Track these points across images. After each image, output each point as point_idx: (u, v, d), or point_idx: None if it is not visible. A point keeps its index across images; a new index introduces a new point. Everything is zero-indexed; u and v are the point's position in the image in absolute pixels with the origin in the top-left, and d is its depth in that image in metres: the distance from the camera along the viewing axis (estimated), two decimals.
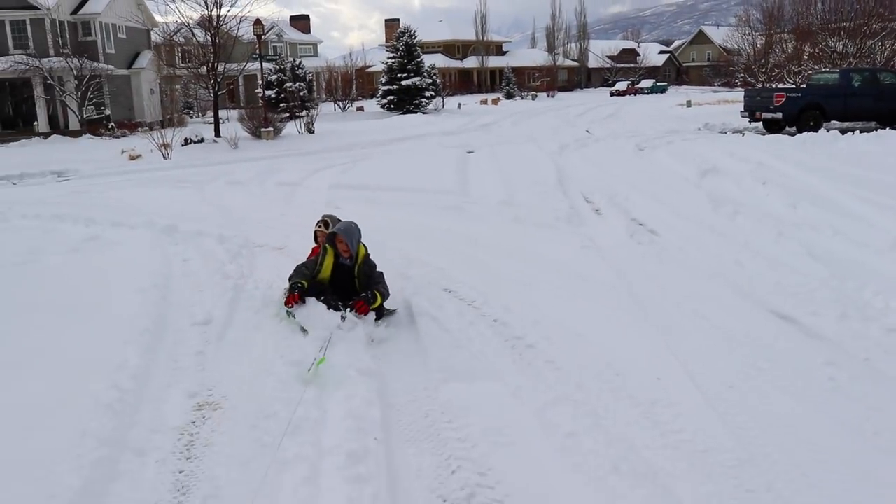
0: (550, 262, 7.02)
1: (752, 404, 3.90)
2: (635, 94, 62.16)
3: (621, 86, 64.84)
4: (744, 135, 20.76)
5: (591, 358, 4.52)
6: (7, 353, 4.90)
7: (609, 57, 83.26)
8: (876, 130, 19.56)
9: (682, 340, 4.78)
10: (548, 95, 62.81)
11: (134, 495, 3.19)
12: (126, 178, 17.20)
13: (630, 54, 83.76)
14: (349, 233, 5.75)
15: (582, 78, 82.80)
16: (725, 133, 21.81)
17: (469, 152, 17.96)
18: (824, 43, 28.92)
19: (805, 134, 19.56)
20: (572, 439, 3.57)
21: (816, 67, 28.11)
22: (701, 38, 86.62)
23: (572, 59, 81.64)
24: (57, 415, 3.85)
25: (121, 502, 3.12)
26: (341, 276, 5.76)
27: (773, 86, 29.96)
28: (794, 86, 27.67)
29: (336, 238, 5.73)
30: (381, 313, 5.59)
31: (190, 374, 4.52)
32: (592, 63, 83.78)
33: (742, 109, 23.36)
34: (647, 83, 66.61)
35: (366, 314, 5.40)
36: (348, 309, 5.37)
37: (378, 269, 5.79)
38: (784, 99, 21.41)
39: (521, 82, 68.14)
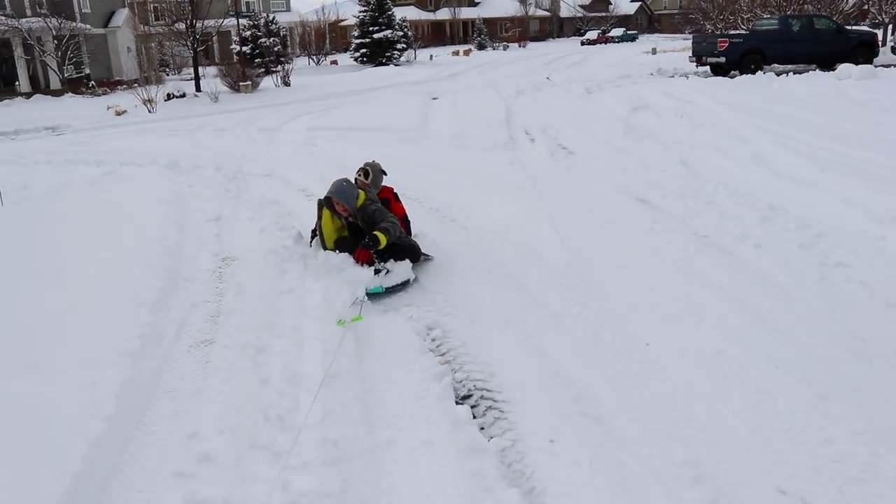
0: (482, 174, 9.05)
1: (591, 241, 5.99)
2: (606, 43, 63.74)
3: (592, 35, 66.42)
4: (688, 78, 22.74)
5: (492, 225, 6.57)
6: (83, 238, 6.87)
7: (581, 6, 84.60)
8: (808, 72, 21.59)
9: (558, 214, 6.84)
10: (519, 46, 64.27)
11: (191, 297, 5.21)
12: (118, 131, 18.95)
13: (602, 3, 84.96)
14: (342, 192, 5.66)
15: (554, 28, 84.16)
16: (673, 77, 23.76)
17: (434, 98, 19.80)
18: None
19: (744, 76, 21.53)
20: (468, 263, 5.61)
21: (762, 14, 30.05)
22: None
23: (544, 10, 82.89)
24: (133, 258, 5.85)
25: (186, 297, 5.14)
26: (358, 231, 5.67)
27: (718, 32, 31.85)
28: (738, 32, 29.59)
29: (332, 201, 5.69)
30: (412, 256, 5.53)
31: (212, 244, 6.53)
32: (565, 13, 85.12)
33: (690, 55, 25.34)
34: (617, 32, 68.16)
35: (366, 260, 5.35)
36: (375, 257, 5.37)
37: (378, 209, 5.64)
38: (727, 44, 23.37)
39: (493, 33, 69.53)
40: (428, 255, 5.75)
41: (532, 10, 79.56)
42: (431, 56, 50.28)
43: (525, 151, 10.65)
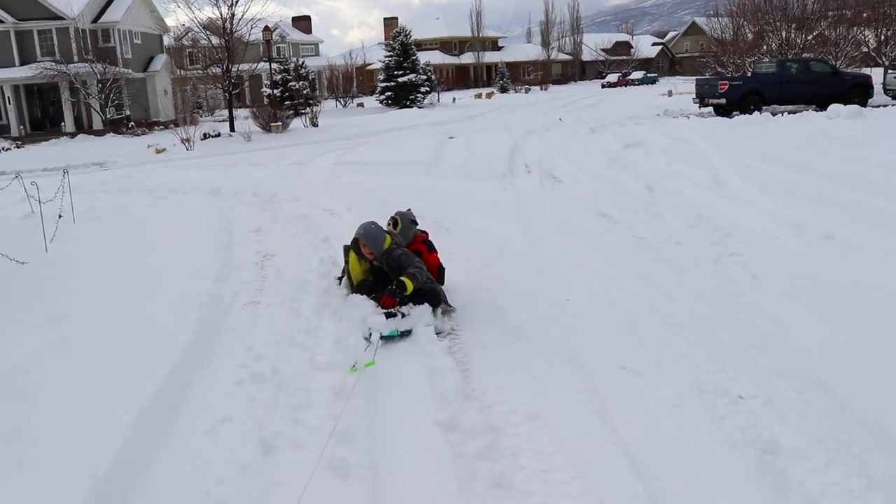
0: (478, 198, 10.83)
1: (551, 241, 7.71)
2: (626, 86, 65.91)
3: (612, 78, 68.72)
4: (689, 118, 24.45)
5: (479, 233, 8.32)
6: (151, 242, 8.70)
7: (603, 49, 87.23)
8: (802, 112, 23.24)
9: (531, 224, 8.59)
10: (541, 89, 66.56)
11: (242, 277, 6.96)
12: (160, 166, 21.04)
13: (624, 46, 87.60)
14: (369, 235, 5.74)
15: (576, 71, 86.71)
16: (677, 118, 25.50)
17: (450, 138, 21.69)
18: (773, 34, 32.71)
19: (743, 116, 23.21)
20: (453, 255, 7.32)
21: (764, 58, 31.83)
22: (694, 30, 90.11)
23: (566, 53, 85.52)
24: (194, 254, 7.65)
25: (237, 277, 6.91)
26: (383, 274, 5.78)
27: (719, 75, 33.59)
28: (737, 75, 31.32)
29: (360, 242, 5.79)
30: (432, 300, 5.58)
31: (254, 245, 8.32)
32: (586, 56, 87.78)
33: (694, 97, 27.12)
34: (637, 75, 70.35)
35: (391, 307, 5.38)
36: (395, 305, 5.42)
37: (403, 253, 5.74)
38: (727, 87, 25.15)
39: (516, 76, 72.07)
40: (451, 307, 5.66)
41: (554, 54, 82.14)
42: (454, 99, 52.60)
43: (520, 180, 12.42)
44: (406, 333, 5.21)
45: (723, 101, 25.05)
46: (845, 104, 22.38)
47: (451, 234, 8.40)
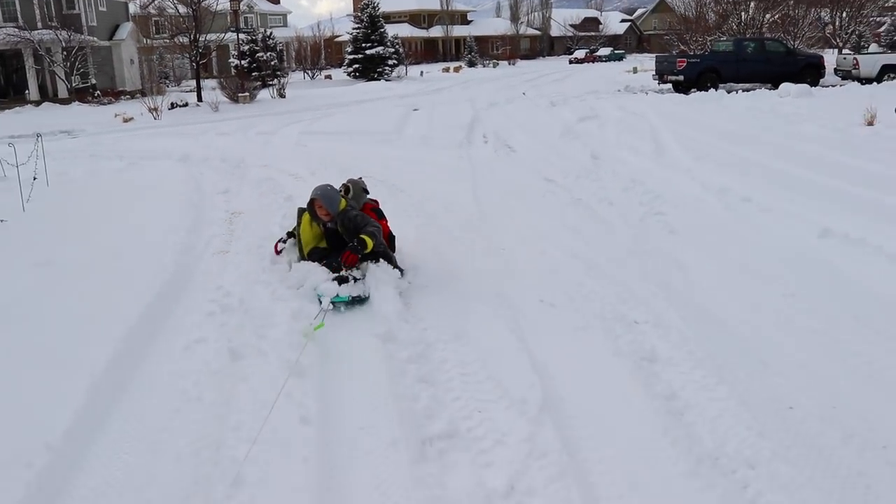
0: (435, 164, 11.54)
1: (497, 202, 8.46)
2: (593, 62, 66.68)
3: (580, 54, 69.45)
4: (647, 94, 25.29)
5: (430, 193, 9.04)
6: (125, 201, 9.31)
7: (572, 25, 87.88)
8: (756, 90, 24.18)
9: (480, 188, 9.33)
10: (509, 63, 67.12)
11: (212, 231, 7.62)
12: (128, 134, 21.40)
13: (592, 23, 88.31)
14: (325, 196, 5.85)
15: (545, 46, 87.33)
16: (636, 93, 26.32)
17: (415, 110, 22.30)
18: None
19: (700, 93, 24.09)
20: (407, 213, 8.02)
21: (722, 37, 32.75)
22: (662, 7, 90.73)
23: (535, 28, 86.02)
24: (167, 210, 8.28)
25: (208, 231, 7.56)
26: (336, 240, 5.86)
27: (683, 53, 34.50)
28: (695, 54, 32.23)
29: (315, 203, 5.90)
30: (389, 260, 5.73)
31: (223, 205, 8.96)
32: (555, 32, 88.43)
33: (653, 73, 27.96)
34: (605, 51, 71.17)
35: (354, 263, 5.52)
36: (345, 266, 5.50)
37: (359, 214, 5.86)
38: (685, 64, 26.02)
39: (484, 51, 72.48)
40: (402, 269, 5.77)
41: (523, 29, 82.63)
42: (422, 72, 53.04)
43: (476, 149, 13.14)
44: (359, 300, 5.29)
45: (681, 77, 25.91)
46: (798, 83, 23.40)
47: (406, 195, 9.10)
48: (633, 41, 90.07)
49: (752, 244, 6.45)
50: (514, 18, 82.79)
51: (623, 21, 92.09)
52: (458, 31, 78.92)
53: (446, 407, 3.67)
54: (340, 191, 6.24)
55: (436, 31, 79.03)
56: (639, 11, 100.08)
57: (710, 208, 7.84)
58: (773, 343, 4.39)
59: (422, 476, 3.12)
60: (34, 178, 10.86)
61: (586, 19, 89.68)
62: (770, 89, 24.32)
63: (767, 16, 35.34)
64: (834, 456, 3.22)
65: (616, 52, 72.06)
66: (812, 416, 3.54)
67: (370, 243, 5.54)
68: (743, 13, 33.47)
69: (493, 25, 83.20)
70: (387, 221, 6.32)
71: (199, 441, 3.48)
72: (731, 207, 7.75)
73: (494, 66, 63.37)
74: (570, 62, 66.94)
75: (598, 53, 70.35)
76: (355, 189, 6.32)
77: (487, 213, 7.99)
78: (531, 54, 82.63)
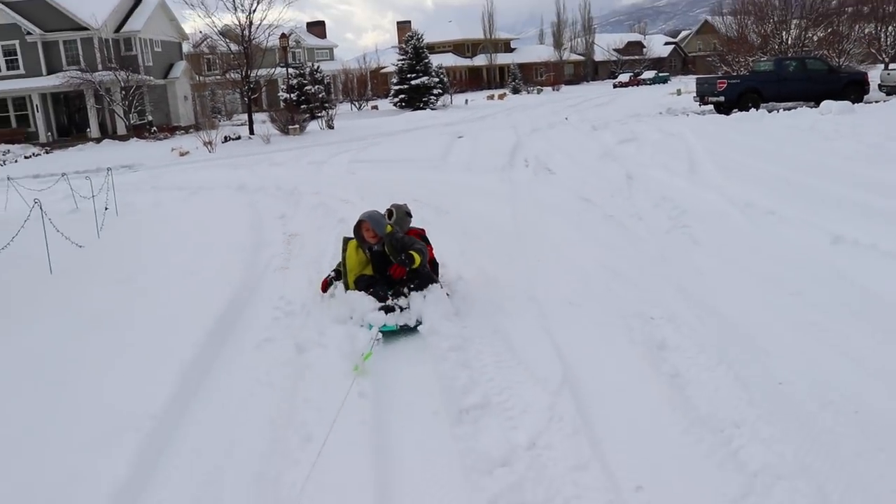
0: (477, 188, 12.24)
1: (534, 220, 9.09)
2: (637, 85, 67.10)
3: (624, 77, 69.96)
4: (688, 116, 25.75)
5: (473, 215, 9.75)
6: (190, 227, 10.18)
7: (615, 50, 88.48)
8: (798, 108, 24.46)
9: (519, 208, 10.01)
10: (553, 89, 67.86)
11: (271, 251, 8.40)
12: (186, 167, 22.61)
13: (636, 46, 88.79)
14: (373, 218, 6.06)
15: (589, 71, 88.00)
16: (678, 115, 26.78)
17: (459, 137, 23.11)
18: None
19: (740, 113, 24.46)
20: (451, 232, 8.71)
21: (763, 57, 33.01)
22: (706, 28, 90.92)
23: (578, 54, 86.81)
24: (230, 233, 9.11)
25: (268, 251, 8.34)
26: (382, 261, 6.04)
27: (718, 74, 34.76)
28: (736, 73, 32.54)
29: (363, 226, 6.07)
30: (425, 285, 5.83)
31: (280, 227, 9.78)
32: (599, 56, 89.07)
33: (694, 95, 28.39)
34: (649, 74, 71.52)
35: (402, 275, 5.80)
36: (392, 296, 5.71)
37: (405, 237, 6.12)
38: (725, 85, 26.42)
39: (528, 77, 73.46)
40: (447, 292, 5.94)
41: (566, 55, 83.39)
42: (467, 100, 54.04)
43: (517, 172, 13.82)
44: (406, 328, 5.45)
45: (721, 99, 26.27)
46: (841, 101, 23.62)
47: (449, 215, 9.82)
48: (677, 63, 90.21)
49: (768, 252, 7.00)
50: (558, 45, 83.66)
51: (667, 44, 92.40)
52: (502, 58, 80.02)
53: (481, 385, 4.32)
54: (385, 214, 6.46)
55: (480, 60, 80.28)
56: (683, 34, 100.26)
57: (734, 221, 8.38)
58: (774, 334, 4.95)
59: (458, 435, 3.78)
60: (105, 209, 11.86)
61: (630, 43, 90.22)
62: (812, 107, 24.55)
63: (812, 34, 35.54)
64: (810, 419, 3.78)
65: (660, 74, 72.37)
66: (798, 390, 4.11)
67: (417, 259, 5.77)
68: (784, 32, 33.67)
69: (537, 52, 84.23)
70: (432, 248, 6.42)
71: (273, 414, 4.19)
72: (753, 220, 8.29)
73: (539, 93, 64.18)
74: (615, 86, 67.46)
75: (642, 77, 70.75)
76: (398, 213, 6.54)
77: (524, 230, 8.65)
78: (575, 79, 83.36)
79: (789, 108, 24.67)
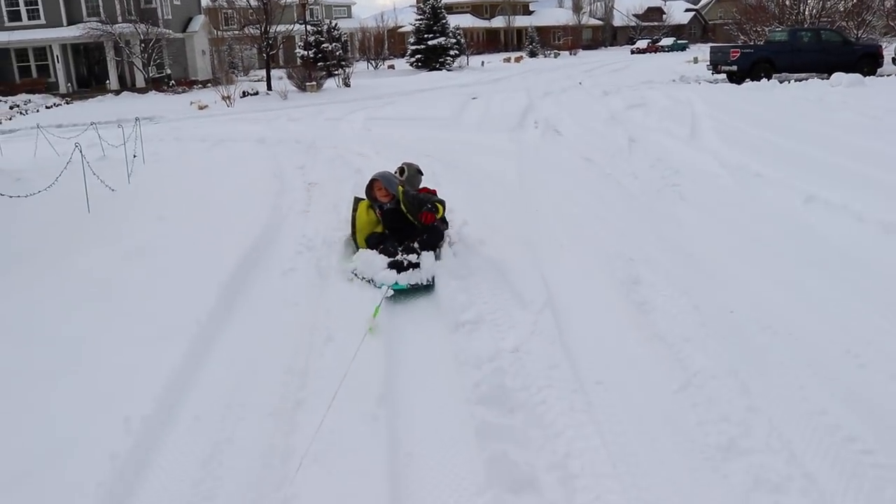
0: (487, 146, 12.93)
1: (538, 175, 9.81)
2: (655, 52, 67.00)
3: (641, 44, 69.83)
4: (700, 83, 26.22)
5: (479, 168, 10.48)
6: (219, 172, 10.94)
7: (635, 15, 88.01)
8: (809, 79, 24.88)
9: (524, 165, 10.71)
10: (570, 54, 67.97)
11: (293, 196, 9.16)
12: (205, 120, 23.33)
13: (656, 13, 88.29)
14: (385, 177, 6.35)
15: (607, 36, 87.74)
16: (690, 83, 27.24)
17: (473, 98, 23.69)
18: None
19: (753, 83, 24.91)
20: (458, 182, 9.42)
21: (777, 27, 33.25)
22: None
23: (598, 19, 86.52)
24: (256, 180, 9.87)
25: (290, 196, 9.10)
26: (394, 219, 6.29)
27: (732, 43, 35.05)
28: (749, 43, 32.84)
29: (375, 185, 6.36)
30: (437, 241, 6.17)
31: (300, 177, 10.52)
32: (618, 21, 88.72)
33: (707, 64, 28.81)
34: (667, 41, 71.38)
35: (432, 221, 6.07)
36: (402, 251, 5.82)
37: (421, 194, 6.43)
38: (739, 54, 26.83)
39: (546, 41, 73.44)
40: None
41: (585, 19, 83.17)
42: (483, 62, 54.36)
43: (526, 133, 14.49)
44: (416, 287, 5.60)
45: (734, 68, 26.70)
46: (854, 73, 24.04)
47: (459, 170, 10.54)
48: (697, 31, 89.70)
49: (746, 208, 7.72)
50: (577, 9, 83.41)
51: (687, 10, 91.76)
52: (520, 21, 79.96)
53: (476, 306, 5.08)
54: (396, 172, 6.74)
55: (498, 22, 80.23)
56: (704, 1, 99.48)
57: (722, 181, 9.08)
58: (735, 274, 5.69)
59: (454, 340, 4.58)
60: (133, 156, 12.62)
61: (650, 9, 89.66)
62: (824, 79, 24.97)
63: (834, 3, 35.65)
64: (748, 338, 4.53)
65: (679, 42, 72.13)
66: (745, 317, 4.85)
67: (441, 209, 6.16)
68: (802, 4, 33.88)
69: (555, 16, 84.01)
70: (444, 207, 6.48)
71: (300, 321, 5.00)
72: (739, 181, 8.98)
73: (556, 57, 64.33)
74: (632, 52, 67.37)
75: (660, 44, 70.60)
76: (410, 171, 6.81)
77: (527, 185, 9.37)
78: (593, 44, 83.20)
79: (801, 80, 25.09)
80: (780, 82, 24.11)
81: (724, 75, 27.87)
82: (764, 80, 25.02)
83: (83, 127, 18.53)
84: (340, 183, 9.71)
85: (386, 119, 18.82)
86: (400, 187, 6.25)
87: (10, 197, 8.22)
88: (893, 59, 28.05)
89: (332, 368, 4.22)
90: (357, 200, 6.56)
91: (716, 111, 16.41)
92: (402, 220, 6.21)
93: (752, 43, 36.20)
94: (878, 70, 26.80)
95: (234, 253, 6.40)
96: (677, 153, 11.02)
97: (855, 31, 36.73)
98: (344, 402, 3.83)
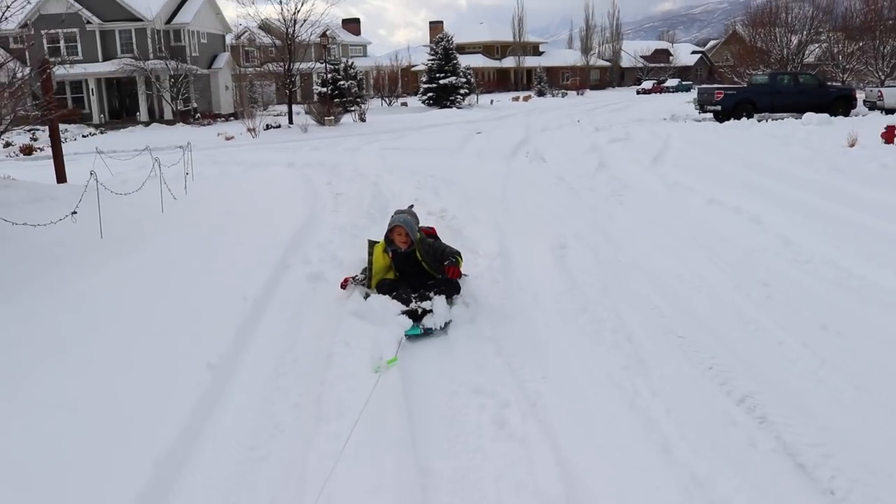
0: (482, 170, 15.73)
1: (518, 192, 12.55)
2: (660, 93, 70.20)
3: (647, 85, 73.16)
4: (685, 122, 29.02)
5: (473, 186, 13.23)
6: (258, 188, 13.75)
7: (643, 56, 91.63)
8: (782, 119, 27.63)
9: (508, 183, 13.47)
10: (578, 93, 71.24)
11: (324, 202, 11.91)
12: (234, 150, 26.25)
13: (663, 54, 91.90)
14: (407, 222, 6.48)
15: (615, 77, 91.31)
16: (678, 121, 30.03)
17: (477, 133, 26.57)
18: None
19: (732, 121, 27.67)
20: (454, 197, 12.13)
21: (758, 71, 36.20)
22: (734, 38, 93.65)
23: (605, 60, 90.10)
24: (292, 193, 12.66)
25: (321, 203, 11.86)
26: (408, 265, 6.49)
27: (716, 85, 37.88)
28: (733, 85, 35.75)
29: (395, 230, 6.48)
30: (451, 290, 6.28)
31: (328, 189, 13.28)
32: (626, 63, 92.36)
33: (695, 104, 31.67)
34: (673, 82, 74.64)
35: (458, 275, 6.32)
36: (416, 299, 6.04)
37: (438, 242, 6.70)
38: (723, 95, 29.67)
39: (555, 81, 76.89)
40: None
41: (593, 60, 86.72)
42: (492, 101, 57.58)
43: (517, 161, 17.30)
44: (430, 332, 5.79)
45: (718, 107, 29.49)
46: (830, 114, 26.83)
47: (456, 186, 13.30)
48: (703, 72, 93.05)
49: (667, 210, 10.45)
50: (585, 50, 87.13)
51: (694, 52, 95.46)
52: (530, 61, 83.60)
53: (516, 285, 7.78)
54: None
55: (508, 62, 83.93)
56: (711, 43, 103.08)
57: (658, 193, 11.81)
58: (635, 245, 8.40)
59: None
60: (186, 174, 15.44)
61: (657, 51, 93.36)
62: (796, 118, 27.76)
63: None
64: (624, 271, 7.24)
65: (683, 83, 75.42)
66: (626, 263, 7.55)
67: (461, 260, 6.46)
68: (776, 49, 36.87)
69: (564, 56, 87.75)
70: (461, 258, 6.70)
71: (336, 262, 7.69)
72: (672, 192, 11.72)
73: (563, 96, 67.56)
74: (638, 93, 70.64)
75: (665, 84, 73.87)
76: (408, 212, 7.16)
77: (508, 196, 12.12)
78: (601, 85, 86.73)
79: (778, 119, 27.82)
80: (759, 121, 26.88)
81: (711, 114, 30.62)
82: (744, 119, 27.83)
83: (123, 153, 21.48)
84: (360, 192, 12.50)
85: (398, 149, 21.67)
86: (420, 236, 6.55)
87: (118, 194, 10.98)
88: (864, 101, 30.79)
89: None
90: (372, 244, 6.79)
91: (686, 144, 19.17)
92: (416, 266, 6.48)
93: (738, 85, 39.17)
94: (853, 111, 29.50)
95: (286, 232, 9.13)
96: (633, 175, 13.77)
97: (841, 76, 39.68)
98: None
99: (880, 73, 36.29)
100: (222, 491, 3.79)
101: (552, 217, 10.01)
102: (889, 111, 28.41)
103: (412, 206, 7.68)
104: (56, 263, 7.90)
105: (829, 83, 32.35)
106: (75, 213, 8.98)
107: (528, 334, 5.66)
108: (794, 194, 11.00)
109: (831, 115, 26.54)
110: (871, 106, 30.11)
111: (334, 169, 16.76)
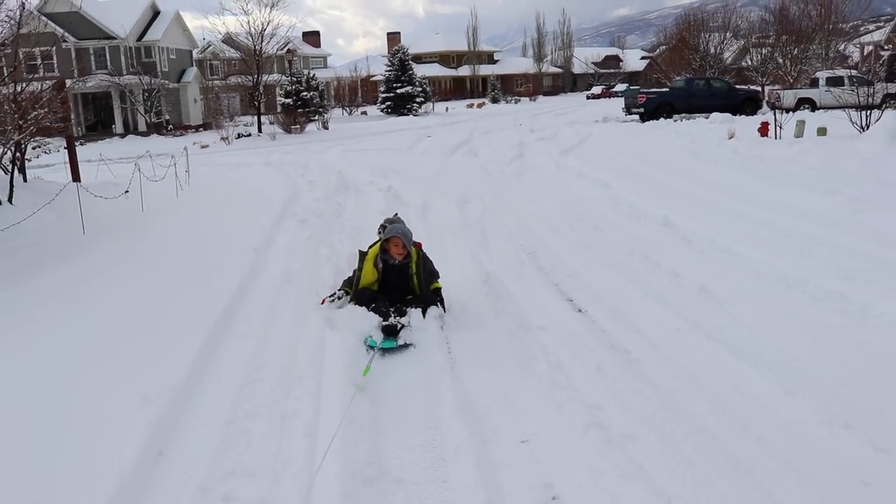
0: (424, 164, 19.88)
1: (448, 175, 16.70)
2: (609, 97, 74.86)
3: (597, 90, 78.00)
4: (610, 122, 33.42)
5: (413, 173, 17.36)
6: (245, 181, 17.78)
7: (594, 63, 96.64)
8: (694, 118, 32.10)
9: (442, 170, 17.64)
10: (530, 99, 75.74)
11: (301, 189, 15.96)
12: (212, 156, 30.08)
13: (613, 60, 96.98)
14: (406, 234, 6.48)
15: (567, 83, 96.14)
16: (608, 122, 34.39)
17: (428, 136, 30.71)
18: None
19: (651, 121, 32.01)
20: (404, 180, 16.21)
21: (677, 77, 40.88)
22: (681, 43, 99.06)
23: (557, 66, 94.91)
24: (274, 183, 16.71)
25: (298, 190, 15.91)
26: (393, 277, 6.39)
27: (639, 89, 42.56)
28: (654, 90, 40.40)
29: (392, 241, 6.36)
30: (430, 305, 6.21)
31: (303, 179, 17.33)
32: (578, 69, 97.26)
33: (622, 106, 36.12)
34: (621, 87, 79.42)
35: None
36: (394, 313, 6.00)
37: (430, 261, 6.65)
38: (644, 99, 34.14)
39: (509, 88, 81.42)
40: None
41: (546, 67, 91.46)
42: (447, 108, 61.83)
43: (454, 156, 21.46)
44: (405, 346, 5.75)
45: (641, 110, 33.88)
46: (739, 114, 31.39)
47: (402, 174, 17.40)
48: (652, 77, 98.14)
49: (555, 183, 14.64)
50: (538, 58, 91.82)
51: (643, 58, 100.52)
52: (485, 69, 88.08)
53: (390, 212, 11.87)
54: (380, 230, 7.71)
55: (464, 70, 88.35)
56: (661, 48, 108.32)
57: (551, 173, 16.03)
58: (515, 201, 12.54)
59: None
60: (186, 171, 19.34)
61: (608, 57, 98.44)
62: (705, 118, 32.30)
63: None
64: (501, 216, 11.40)
65: (631, 87, 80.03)
66: (504, 210, 11.70)
67: (440, 285, 6.56)
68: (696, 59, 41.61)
69: (518, 64, 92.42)
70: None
71: (312, 234, 11.74)
72: (562, 173, 15.93)
73: (516, 102, 71.94)
74: (588, 97, 75.30)
75: (614, 89, 78.63)
76: (396, 220, 7.95)
77: (439, 178, 16.28)
78: (553, 91, 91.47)
79: (690, 118, 32.23)
80: (675, 121, 31.29)
81: (636, 116, 34.98)
82: (663, 120, 32.20)
83: (111, 160, 25.23)
84: (328, 178, 16.60)
85: (358, 150, 25.77)
86: (414, 249, 6.53)
87: (149, 179, 14.90)
88: (767, 101, 35.49)
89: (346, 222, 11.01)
90: (363, 254, 6.72)
91: (597, 141, 23.50)
92: (405, 279, 6.44)
93: (660, 90, 43.81)
94: (759, 111, 34.06)
95: (274, 206, 13.17)
96: (539, 162, 18.02)
97: (760, 79, 44.46)
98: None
99: (789, 77, 41.07)
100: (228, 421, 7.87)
101: (464, 189, 14.18)
102: (787, 110, 33.05)
103: (396, 213, 8.62)
104: (119, 223, 11.90)
105: (738, 87, 36.96)
106: (127, 191, 12.99)
107: (433, 238, 9.83)
108: (649, 172, 15.30)
109: (740, 115, 31.10)
110: (772, 106, 34.74)
111: (305, 166, 20.77)
